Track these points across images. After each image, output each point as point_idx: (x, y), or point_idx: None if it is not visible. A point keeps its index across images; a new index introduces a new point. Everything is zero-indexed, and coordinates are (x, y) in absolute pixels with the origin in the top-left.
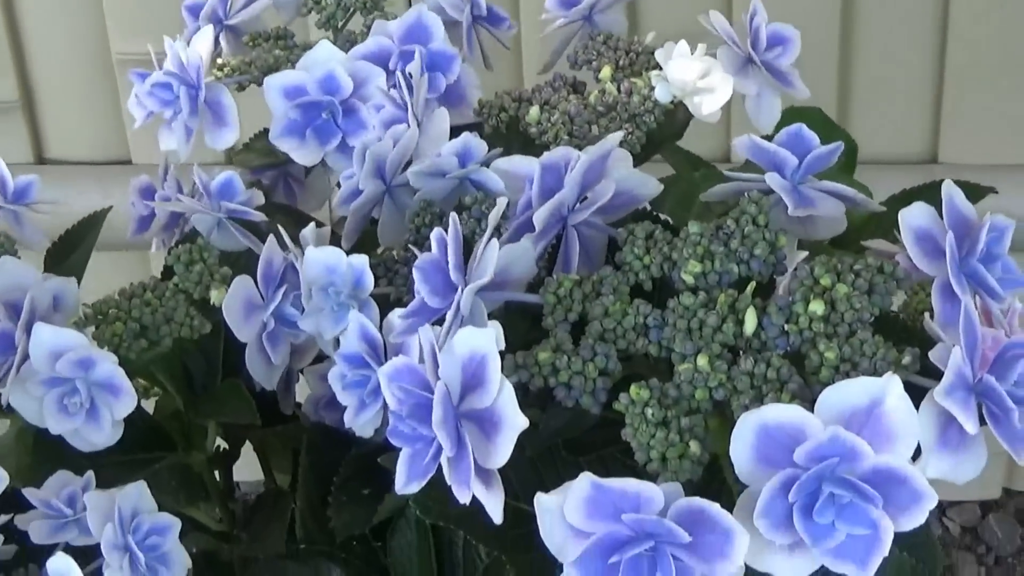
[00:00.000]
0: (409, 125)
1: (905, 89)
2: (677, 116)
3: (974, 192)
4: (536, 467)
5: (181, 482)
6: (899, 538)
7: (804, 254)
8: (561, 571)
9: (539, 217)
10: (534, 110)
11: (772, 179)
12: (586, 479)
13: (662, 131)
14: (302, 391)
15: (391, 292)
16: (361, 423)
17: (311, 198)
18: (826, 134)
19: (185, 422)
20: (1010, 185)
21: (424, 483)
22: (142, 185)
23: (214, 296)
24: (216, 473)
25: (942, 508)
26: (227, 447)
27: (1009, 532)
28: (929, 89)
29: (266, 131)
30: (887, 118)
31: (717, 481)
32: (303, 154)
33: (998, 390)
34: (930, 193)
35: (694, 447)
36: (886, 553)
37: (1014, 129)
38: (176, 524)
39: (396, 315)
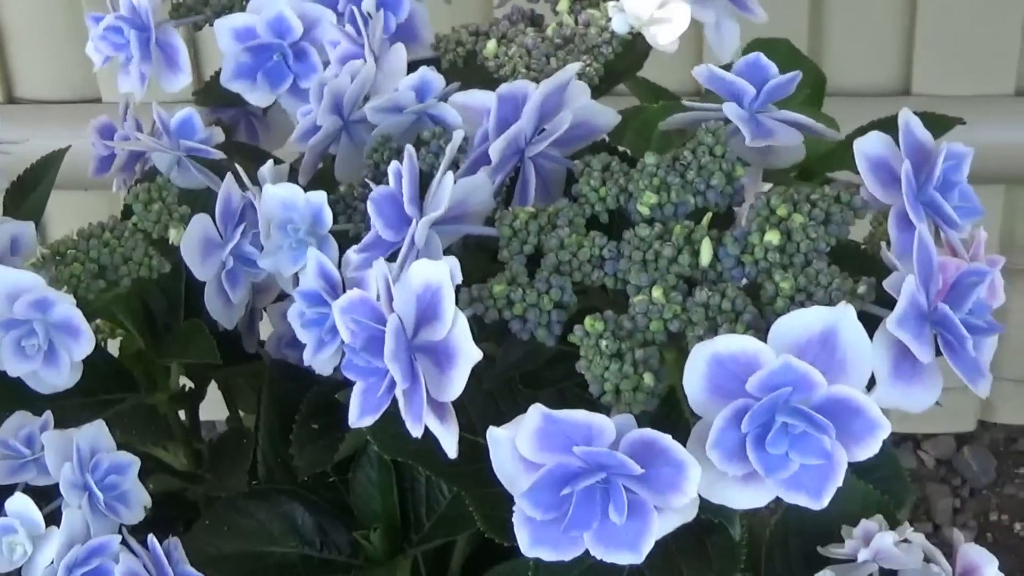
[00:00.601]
0: (365, 60)
1: (878, 20)
2: (636, 47)
3: (940, 123)
4: (495, 401)
5: (145, 422)
6: (867, 471)
7: (768, 186)
8: None
9: (495, 149)
10: (491, 44)
11: (729, 109)
12: (537, 411)
13: (621, 62)
14: (268, 329)
15: (350, 229)
16: (320, 361)
17: (273, 136)
18: (793, 65)
19: (147, 362)
20: (983, 115)
21: (377, 416)
22: (102, 124)
23: (173, 235)
24: (181, 413)
25: (917, 441)
26: (192, 387)
27: (984, 464)
28: (902, 20)
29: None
30: (860, 50)
31: (675, 414)
32: (255, 96)
33: (952, 319)
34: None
35: (648, 379)
36: (840, 483)
37: (987, 59)
38: (135, 463)
39: (352, 250)
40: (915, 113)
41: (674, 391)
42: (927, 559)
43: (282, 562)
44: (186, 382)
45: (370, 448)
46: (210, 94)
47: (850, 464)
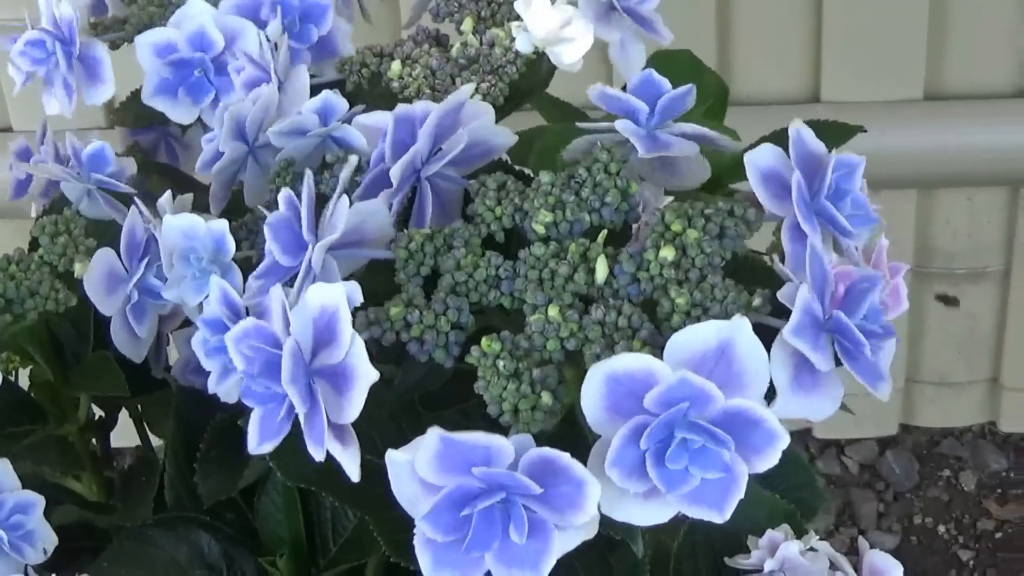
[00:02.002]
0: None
1: (785, 29)
2: (541, 66)
3: (842, 131)
4: (397, 423)
5: (56, 453)
6: (778, 480)
7: (670, 199)
8: None
9: (394, 173)
10: (395, 65)
11: (622, 126)
12: (434, 434)
13: (527, 81)
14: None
15: (254, 255)
16: (225, 388)
17: (192, 158)
18: (693, 77)
19: (57, 393)
20: (893, 121)
21: (277, 442)
22: (20, 148)
23: (78, 269)
24: (93, 441)
25: (840, 447)
26: (102, 416)
27: (907, 468)
28: (809, 28)
29: (140, 91)
30: (768, 59)
31: (575, 432)
32: (177, 113)
33: (848, 325)
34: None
35: (546, 398)
36: (741, 495)
37: (895, 65)
38: (40, 502)
39: (251, 277)
40: (817, 122)
41: (574, 409)
42: (833, 567)
43: None
44: (98, 411)
45: (275, 474)
46: (127, 114)
47: (761, 473)
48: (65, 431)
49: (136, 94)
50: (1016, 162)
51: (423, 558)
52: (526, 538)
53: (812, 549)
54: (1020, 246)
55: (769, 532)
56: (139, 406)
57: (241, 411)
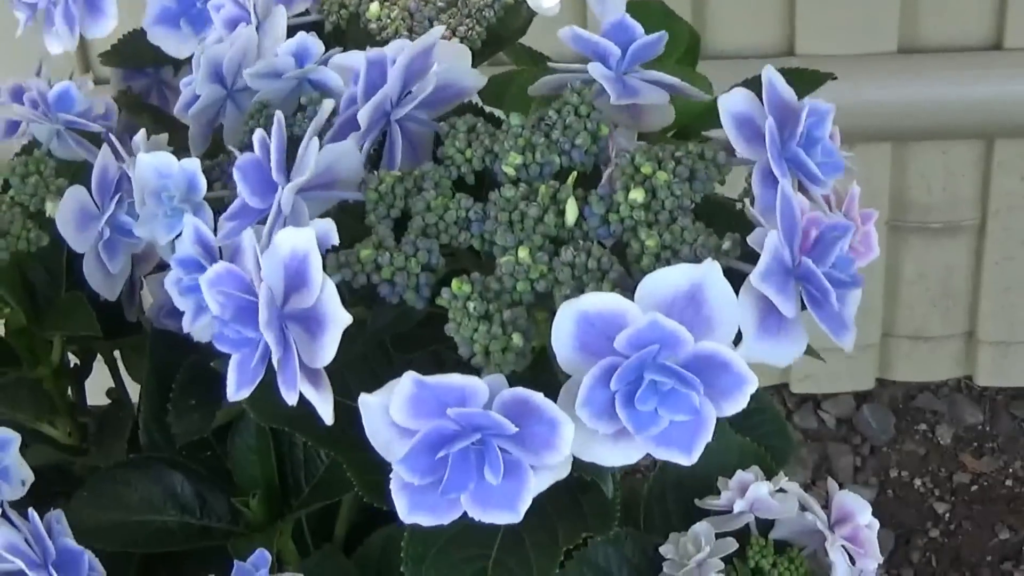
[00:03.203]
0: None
1: None
2: (520, 12)
3: (812, 79)
4: (370, 366)
5: (30, 398)
6: (750, 428)
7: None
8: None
9: (363, 115)
10: (374, 6)
11: (594, 69)
12: (408, 378)
13: (505, 27)
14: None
15: (226, 195)
16: (199, 328)
17: None
18: (665, 26)
19: (30, 337)
20: (867, 74)
21: (254, 388)
22: (13, 88)
23: (49, 208)
24: (71, 391)
25: (817, 401)
26: (78, 363)
27: (883, 422)
28: None
29: (132, 33)
30: (743, 12)
31: (545, 374)
32: (176, 44)
33: (816, 273)
34: None
35: (517, 339)
36: (709, 438)
37: (869, 18)
38: (15, 439)
39: (222, 218)
40: (788, 69)
41: (545, 352)
42: (803, 508)
43: (162, 531)
44: (74, 360)
45: (248, 415)
46: (119, 56)
47: (732, 420)
48: (38, 375)
49: (128, 36)
50: (991, 115)
51: (399, 502)
52: (502, 479)
53: (782, 490)
54: (995, 200)
55: (739, 473)
56: (113, 352)
57: (215, 353)
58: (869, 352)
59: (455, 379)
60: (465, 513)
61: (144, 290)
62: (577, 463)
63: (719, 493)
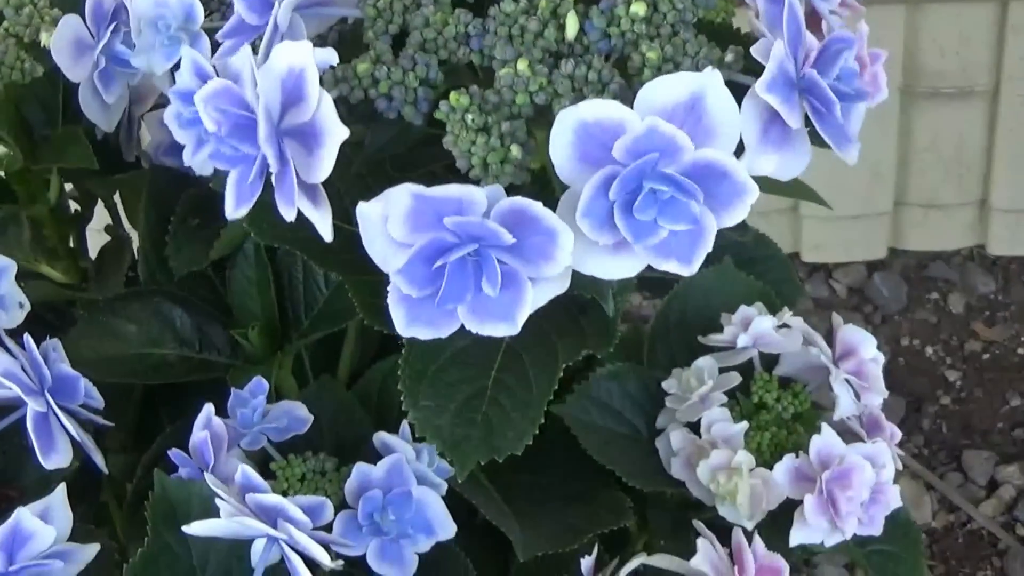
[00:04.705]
0: None
1: None
2: None
3: None
4: (369, 188)
5: (29, 239)
6: (759, 275)
7: None
8: None
9: None
10: None
11: None
12: (405, 190)
13: None
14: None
15: (223, 25)
16: (199, 160)
17: None
18: None
19: (27, 176)
20: None
21: (252, 204)
22: None
23: (44, 38)
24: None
25: (828, 270)
26: (78, 209)
27: (895, 290)
28: None
29: None
30: None
31: (545, 193)
32: None
33: (820, 84)
34: None
35: (515, 151)
36: (709, 249)
37: None
38: (11, 266)
39: (218, 36)
40: None
41: (545, 172)
42: (807, 343)
43: (160, 364)
44: (75, 206)
45: (247, 246)
46: None
47: (740, 265)
48: (36, 212)
49: None
50: None
51: (397, 314)
52: (499, 290)
53: (785, 325)
54: (1008, 64)
55: (742, 308)
56: (113, 196)
57: (214, 185)
58: (881, 220)
59: (452, 189)
60: (464, 334)
61: (143, 130)
62: (576, 280)
63: (723, 330)
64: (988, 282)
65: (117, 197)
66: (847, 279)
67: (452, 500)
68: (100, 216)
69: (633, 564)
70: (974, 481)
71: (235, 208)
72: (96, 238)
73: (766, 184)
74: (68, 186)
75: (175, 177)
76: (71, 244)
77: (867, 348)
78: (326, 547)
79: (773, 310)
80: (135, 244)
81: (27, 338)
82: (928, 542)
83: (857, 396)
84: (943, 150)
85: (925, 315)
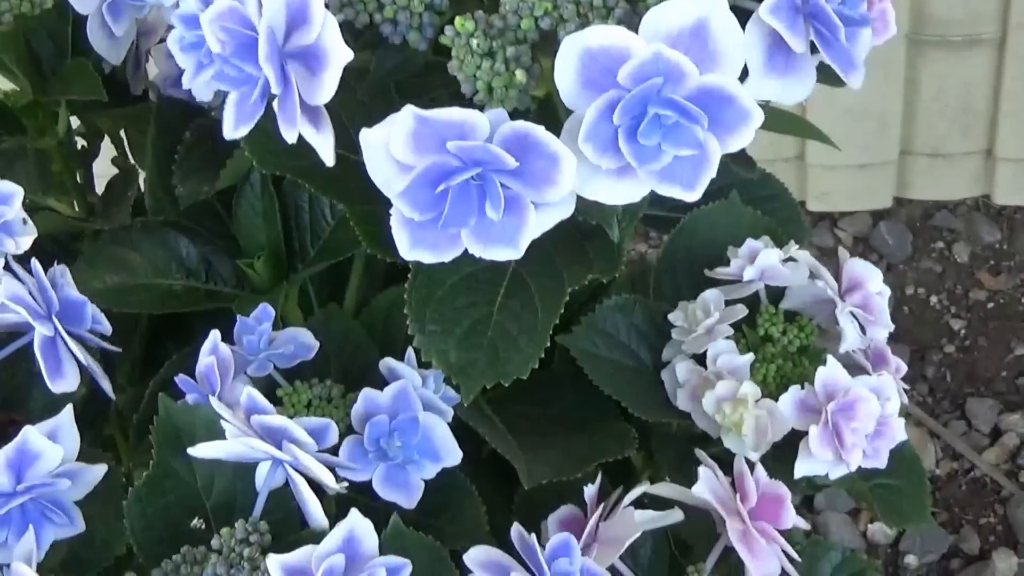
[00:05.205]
0: None
1: None
2: None
3: None
4: (373, 118)
5: (36, 172)
6: (765, 213)
7: None
8: None
9: None
10: None
11: None
12: (409, 112)
13: None
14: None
15: None
16: (199, 84)
17: None
18: None
19: (36, 108)
20: None
21: (252, 125)
22: None
23: None
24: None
25: (834, 219)
26: (85, 145)
27: (900, 239)
28: None
29: None
30: None
31: (551, 122)
32: None
33: (825, 8)
34: None
35: (520, 76)
36: (713, 174)
37: None
38: (18, 192)
39: None
40: None
41: (550, 101)
42: (813, 276)
43: (167, 294)
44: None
45: (253, 177)
46: None
47: (746, 203)
48: (44, 145)
49: None
50: None
51: (400, 238)
52: (502, 214)
53: (792, 259)
54: (1016, 12)
55: (749, 241)
56: (120, 132)
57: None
58: (887, 169)
59: (456, 112)
60: (470, 260)
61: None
62: (581, 206)
63: (729, 264)
64: (993, 231)
65: (124, 135)
66: (852, 228)
67: (458, 434)
68: (105, 158)
69: (636, 493)
70: (978, 429)
71: (234, 128)
72: (102, 180)
73: (773, 122)
74: (75, 125)
75: (182, 109)
76: (78, 180)
77: (873, 282)
78: (332, 470)
79: (779, 245)
80: (141, 179)
81: (34, 263)
82: (931, 489)
83: (863, 330)
84: (949, 99)
85: (930, 264)
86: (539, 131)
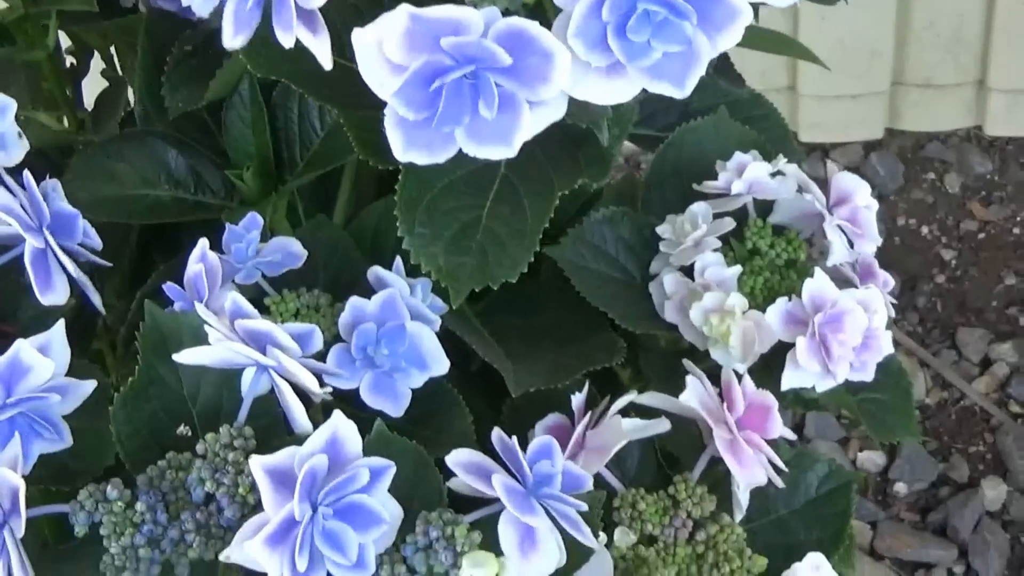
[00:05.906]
0: None
1: None
2: None
3: None
4: (365, 20)
5: (27, 85)
6: (751, 122)
7: None
8: None
9: None
10: None
11: None
12: (403, 10)
13: None
14: None
15: None
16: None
17: None
18: None
19: (25, 21)
20: None
21: (250, 33)
22: None
23: None
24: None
25: (825, 150)
26: (75, 63)
27: (891, 170)
28: None
29: None
30: None
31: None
32: None
33: None
34: None
35: None
36: (702, 72)
37: None
38: (11, 104)
39: None
40: None
41: (541, 5)
42: (801, 189)
43: (156, 204)
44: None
45: (242, 87)
46: None
47: (738, 120)
48: (34, 57)
49: None
50: None
51: (394, 138)
52: (496, 112)
53: (780, 172)
54: None
55: (737, 154)
56: (110, 48)
57: (211, 30)
58: (878, 100)
59: (450, 10)
60: (460, 163)
61: None
62: (573, 109)
63: (717, 177)
64: (984, 162)
65: (113, 51)
66: (844, 159)
67: (447, 347)
68: (95, 78)
69: (623, 402)
70: (968, 359)
71: (233, 36)
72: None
73: (765, 43)
74: (65, 44)
75: (172, 20)
76: (68, 94)
77: (861, 195)
78: (318, 377)
79: (767, 160)
80: (131, 93)
81: (26, 175)
82: (921, 418)
83: (851, 243)
84: (941, 29)
85: (921, 195)
86: (534, 27)
